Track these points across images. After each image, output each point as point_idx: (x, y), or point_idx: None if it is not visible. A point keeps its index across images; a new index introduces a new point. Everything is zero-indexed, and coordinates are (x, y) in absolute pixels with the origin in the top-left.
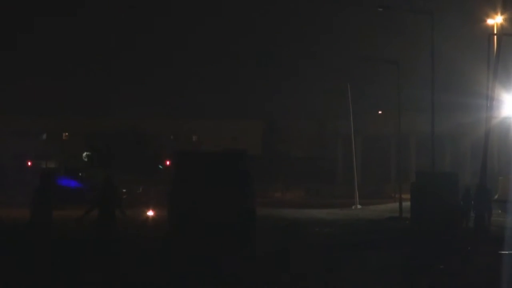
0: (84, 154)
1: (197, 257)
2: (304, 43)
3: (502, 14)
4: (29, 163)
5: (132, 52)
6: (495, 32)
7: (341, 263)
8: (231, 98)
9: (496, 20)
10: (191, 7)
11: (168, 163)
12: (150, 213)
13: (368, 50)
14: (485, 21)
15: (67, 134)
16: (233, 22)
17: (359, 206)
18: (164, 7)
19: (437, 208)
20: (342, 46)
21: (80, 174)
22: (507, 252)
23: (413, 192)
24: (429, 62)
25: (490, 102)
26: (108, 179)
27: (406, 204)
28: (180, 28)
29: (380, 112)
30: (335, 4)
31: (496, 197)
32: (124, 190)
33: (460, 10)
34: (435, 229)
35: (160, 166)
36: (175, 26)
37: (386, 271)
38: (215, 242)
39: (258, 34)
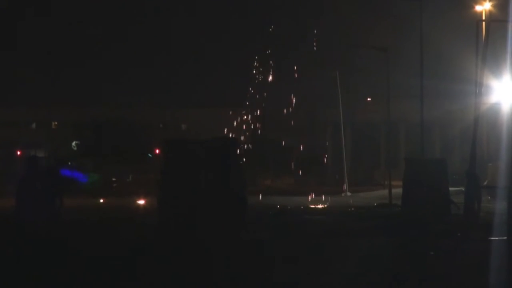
0: (73, 143)
1: (187, 245)
2: (291, 29)
3: (490, 0)
4: (19, 153)
5: (119, 41)
6: (484, 18)
7: (331, 250)
8: (220, 85)
9: (484, 7)
10: None
11: (157, 151)
12: (141, 201)
13: (356, 36)
14: (474, 7)
15: (56, 123)
16: (219, 5)
17: (349, 194)
18: None
19: (427, 195)
20: (329, 33)
21: (69, 163)
22: (496, 238)
23: (405, 179)
24: (418, 48)
25: (479, 88)
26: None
27: (396, 191)
28: (168, 15)
29: (369, 99)
30: None
31: (485, 183)
32: (113, 179)
33: None
34: (425, 215)
35: (150, 155)
36: (163, 13)
37: (375, 258)
38: (206, 230)
39: (245, 19)
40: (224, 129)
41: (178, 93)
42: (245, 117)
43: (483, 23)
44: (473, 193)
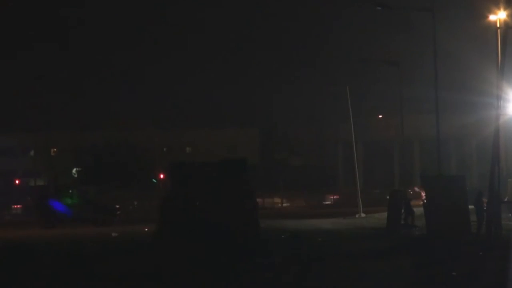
0: (74, 170)
1: (197, 268)
2: (303, 45)
3: (505, 9)
4: (17, 182)
5: (121, 63)
6: (499, 27)
7: (349, 273)
8: (225, 105)
9: (498, 16)
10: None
11: (162, 176)
12: (146, 229)
13: (368, 51)
14: (488, 17)
15: (55, 149)
16: (229, 23)
17: (363, 215)
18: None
19: (447, 213)
20: (341, 47)
21: (70, 191)
22: None
23: (426, 199)
24: (431, 60)
25: (498, 100)
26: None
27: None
28: (172, 35)
29: (380, 116)
30: (334, 5)
31: (505, 199)
32: (117, 206)
33: (462, 6)
34: (447, 235)
35: (154, 180)
36: (166, 35)
37: (397, 279)
38: (217, 254)
39: (255, 38)
40: (231, 151)
41: (181, 114)
42: (252, 137)
43: (499, 32)
44: (494, 211)
